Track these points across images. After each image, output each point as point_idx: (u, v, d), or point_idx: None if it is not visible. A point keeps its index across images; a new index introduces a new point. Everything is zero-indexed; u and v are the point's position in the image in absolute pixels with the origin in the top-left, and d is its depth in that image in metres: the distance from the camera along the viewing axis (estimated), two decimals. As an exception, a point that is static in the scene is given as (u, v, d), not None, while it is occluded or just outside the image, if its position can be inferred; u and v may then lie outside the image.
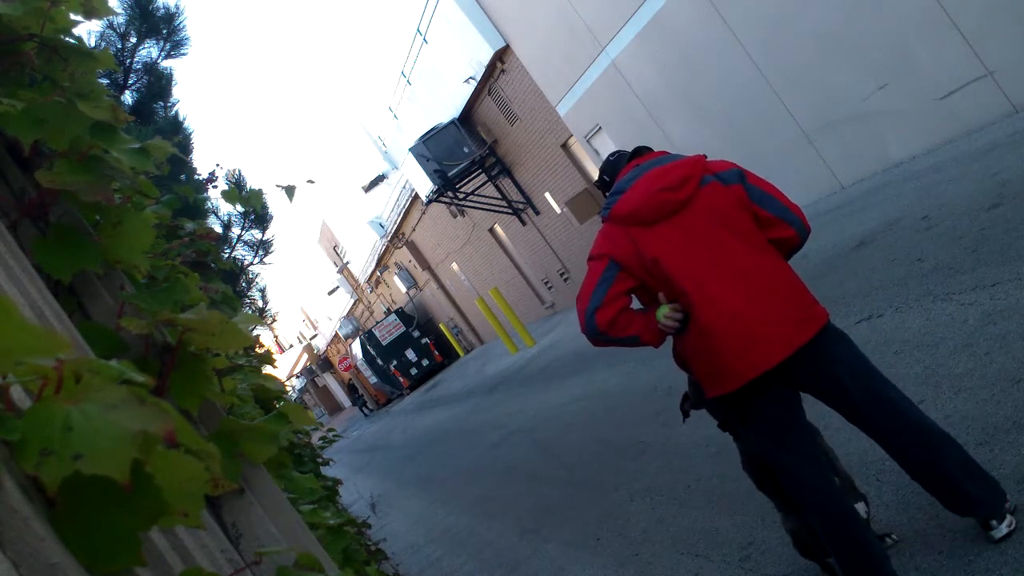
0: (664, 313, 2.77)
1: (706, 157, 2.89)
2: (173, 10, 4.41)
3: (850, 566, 2.68)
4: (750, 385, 2.70)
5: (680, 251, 2.74)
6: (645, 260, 2.76)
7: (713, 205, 2.77)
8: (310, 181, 3.04)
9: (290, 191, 2.18)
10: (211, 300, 1.96)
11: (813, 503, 2.74)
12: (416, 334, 27.72)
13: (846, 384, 2.70)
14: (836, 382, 2.71)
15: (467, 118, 17.04)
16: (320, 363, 50.36)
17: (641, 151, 3.00)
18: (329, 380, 53.13)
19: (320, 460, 4.60)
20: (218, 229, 5.03)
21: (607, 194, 2.98)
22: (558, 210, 15.95)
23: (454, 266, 23.57)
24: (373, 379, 29.96)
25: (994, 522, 2.68)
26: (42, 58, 1.15)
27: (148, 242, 1.14)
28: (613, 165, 3.03)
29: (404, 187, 21.41)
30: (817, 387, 2.77)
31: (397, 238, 25.84)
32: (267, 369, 4.02)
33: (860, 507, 2.93)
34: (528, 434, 9.24)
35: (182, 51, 4.54)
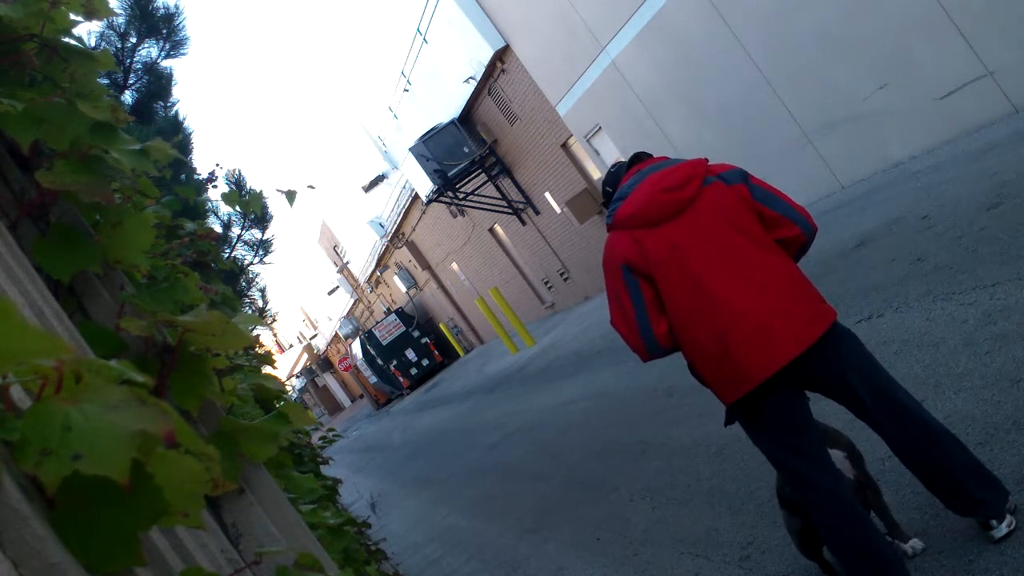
0: None
1: (707, 160, 2.89)
2: (173, 10, 4.41)
3: (857, 570, 2.67)
4: (762, 387, 2.69)
5: (686, 251, 2.73)
6: (651, 261, 2.76)
7: (717, 204, 2.76)
8: (310, 186, 3.03)
9: (291, 196, 2.18)
10: (211, 300, 1.96)
11: (819, 504, 2.73)
12: (416, 334, 27.70)
13: (854, 383, 2.70)
14: (844, 381, 2.71)
15: (467, 118, 17.04)
16: (320, 363, 50.34)
17: (640, 157, 3.00)
18: (329, 380, 53.11)
19: (320, 460, 4.60)
20: (218, 229, 5.02)
21: (610, 203, 2.97)
22: (558, 210, 15.95)
23: (454, 266, 23.56)
24: (373, 379, 29.96)
25: (994, 522, 2.68)
26: (42, 58, 1.15)
27: (148, 242, 1.14)
28: (615, 176, 3.02)
29: (404, 187, 21.41)
30: (825, 386, 2.77)
31: (397, 238, 25.83)
32: (267, 369, 4.02)
33: (914, 544, 2.91)
34: (528, 434, 9.24)
35: (182, 51, 4.54)
